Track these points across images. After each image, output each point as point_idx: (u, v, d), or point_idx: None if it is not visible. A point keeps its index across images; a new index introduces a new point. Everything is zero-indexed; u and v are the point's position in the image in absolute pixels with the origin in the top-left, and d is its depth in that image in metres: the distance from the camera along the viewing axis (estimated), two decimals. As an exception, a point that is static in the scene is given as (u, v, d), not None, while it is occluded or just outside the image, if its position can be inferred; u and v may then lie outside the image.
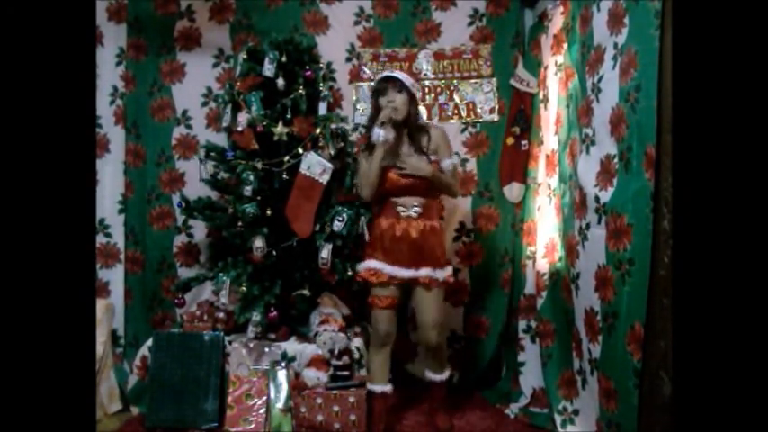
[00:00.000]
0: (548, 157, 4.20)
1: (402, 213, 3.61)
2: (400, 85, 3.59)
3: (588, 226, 3.32)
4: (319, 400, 3.75)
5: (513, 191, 4.55)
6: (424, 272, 3.57)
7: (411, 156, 3.61)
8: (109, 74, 4.67)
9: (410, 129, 3.66)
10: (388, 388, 3.69)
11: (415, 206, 3.61)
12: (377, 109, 3.63)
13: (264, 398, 3.80)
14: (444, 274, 3.64)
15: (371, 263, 3.65)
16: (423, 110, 4.63)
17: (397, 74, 3.68)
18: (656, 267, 2.74)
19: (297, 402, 3.77)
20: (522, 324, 4.38)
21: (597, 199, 3.18)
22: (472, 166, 4.70)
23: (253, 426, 3.75)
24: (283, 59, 4.17)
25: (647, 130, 2.77)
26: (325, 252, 3.99)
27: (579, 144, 3.51)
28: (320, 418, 3.74)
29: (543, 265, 4.14)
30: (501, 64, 4.69)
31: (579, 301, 3.46)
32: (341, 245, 4.04)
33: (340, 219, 3.98)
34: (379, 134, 3.49)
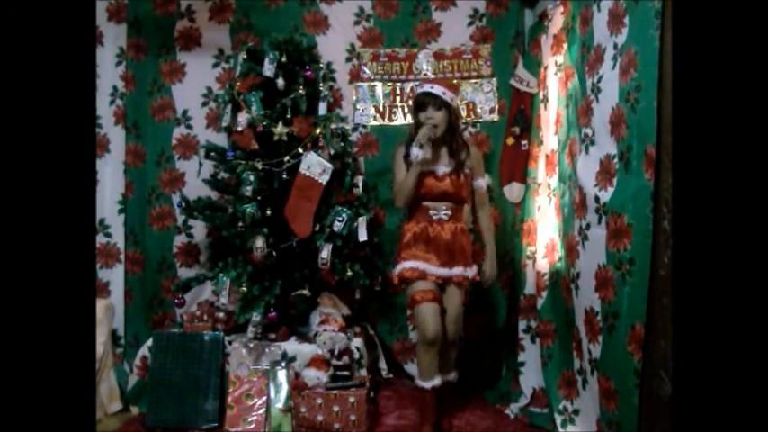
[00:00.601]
0: (547, 156, 4.20)
1: (434, 216, 3.69)
2: (440, 102, 3.62)
3: (588, 226, 3.32)
4: (319, 401, 3.74)
5: (513, 191, 4.55)
6: (457, 270, 3.68)
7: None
8: (109, 74, 4.67)
9: (450, 142, 3.71)
10: (437, 381, 3.66)
11: (446, 210, 3.70)
12: (417, 124, 3.68)
13: (264, 398, 3.80)
14: (473, 272, 3.77)
15: (408, 263, 3.68)
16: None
17: (437, 89, 3.66)
18: (657, 267, 2.74)
19: (297, 402, 3.76)
20: (522, 324, 4.37)
21: (597, 199, 3.18)
22: (473, 165, 4.68)
23: (253, 426, 3.75)
24: (283, 59, 4.17)
25: (647, 130, 2.77)
26: (325, 252, 3.99)
27: (579, 144, 3.51)
28: (320, 418, 3.73)
29: (543, 265, 4.14)
30: (501, 64, 4.69)
31: (579, 301, 3.46)
32: (341, 245, 4.05)
33: (340, 219, 3.99)
34: (418, 155, 3.52)
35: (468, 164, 3.75)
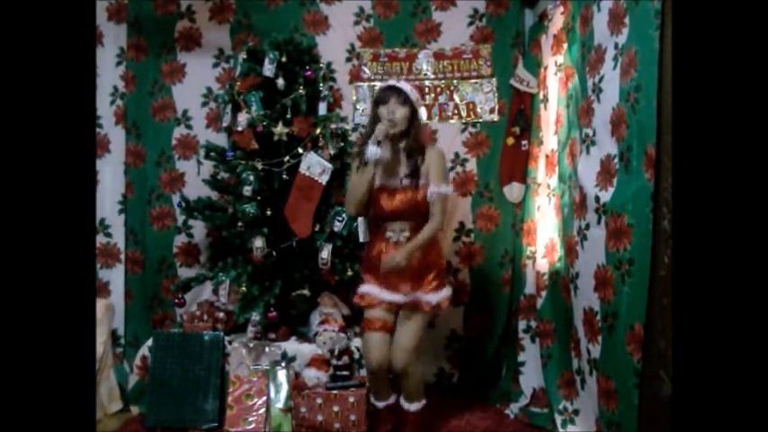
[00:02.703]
0: (547, 157, 4.20)
1: (391, 239, 3.41)
2: (404, 98, 3.37)
3: (588, 226, 3.32)
4: (319, 401, 3.74)
5: (513, 191, 4.55)
6: (411, 296, 3.36)
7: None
8: (109, 74, 4.67)
9: (408, 146, 3.39)
10: (390, 401, 3.56)
11: (405, 232, 3.39)
12: (375, 120, 3.39)
13: (264, 398, 3.80)
14: (436, 298, 3.40)
15: (363, 287, 3.50)
16: (423, 110, 4.64)
17: (402, 84, 3.45)
18: (656, 267, 2.74)
19: (297, 402, 3.76)
20: (522, 324, 4.38)
21: (597, 199, 3.19)
22: (472, 166, 4.69)
23: (253, 426, 3.75)
24: (283, 59, 4.17)
25: (648, 130, 2.78)
26: (325, 252, 3.99)
27: (579, 144, 3.51)
28: (320, 418, 3.73)
29: (543, 265, 4.15)
30: (501, 64, 4.68)
31: (578, 300, 3.46)
32: (341, 245, 4.05)
33: (340, 219, 3.99)
34: (374, 152, 3.23)
35: (423, 170, 3.37)
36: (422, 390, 3.53)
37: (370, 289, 3.46)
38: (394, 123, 3.32)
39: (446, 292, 3.49)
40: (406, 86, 3.44)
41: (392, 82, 3.53)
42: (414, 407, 3.48)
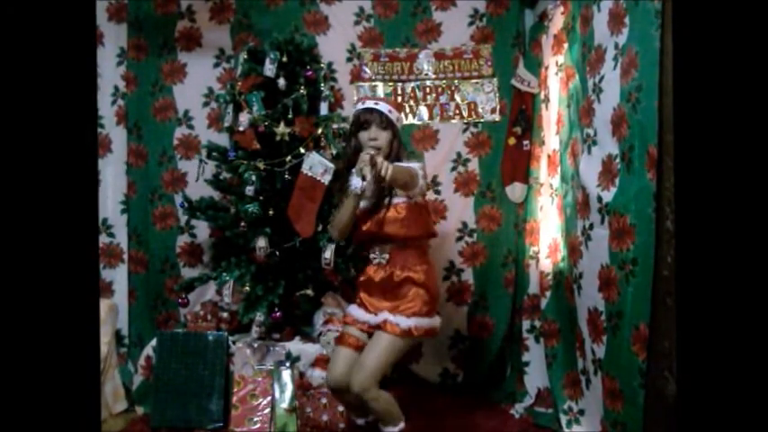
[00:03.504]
0: (549, 156, 4.20)
1: (373, 261, 3.26)
2: (386, 120, 3.19)
3: (591, 226, 3.32)
4: (324, 400, 3.76)
5: (515, 191, 4.54)
6: (381, 316, 3.13)
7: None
8: (110, 74, 4.67)
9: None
10: (370, 418, 3.27)
11: (382, 253, 3.23)
12: (356, 146, 3.24)
13: (269, 398, 3.81)
14: (409, 323, 3.10)
15: (349, 308, 3.39)
16: (424, 110, 4.65)
17: (382, 106, 3.24)
18: (660, 267, 2.74)
19: (302, 402, 3.77)
20: (526, 324, 4.38)
21: (600, 199, 3.18)
22: (474, 166, 4.69)
23: (258, 426, 3.76)
24: (284, 59, 4.17)
25: (649, 129, 2.77)
26: (329, 252, 3.99)
27: (581, 144, 3.51)
28: (325, 417, 3.74)
29: (547, 264, 4.15)
30: (502, 64, 4.68)
31: (582, 300, 3.46)
32: (344, 245, 4.05)
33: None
34: (358, 185, 2.97)
35: (411, 191, 3.15)
36: (395, 412, 3.14)
37: (351, 308, 3.34)
38: (377, 152, 3.07)
39: (427, 321, 3.18)
40: (385, 107, 3.24)
41: (370, 104, 3.28)
42: (389, 430, 3.14)
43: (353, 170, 3.02)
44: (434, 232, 3.45)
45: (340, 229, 3.27)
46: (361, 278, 3.33)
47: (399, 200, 3.18)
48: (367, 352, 3.09)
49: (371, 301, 3.23)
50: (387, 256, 3.21)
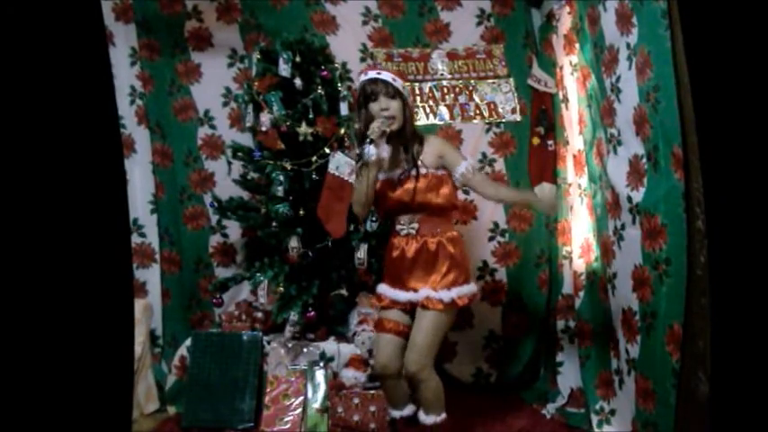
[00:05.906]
0: (575, 156, 4.18)
1: (401, 232, 3.25)
2: (392, 89, 3.17)
3: (624, 226, 3.29)
4: (356, 400, 3.76)
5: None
6: (423, 293, 3.14)
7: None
8: (125, 74, 4.63)
9: (405, 138, 3.21)
10: (405, 413, 3.35)
11: (413, 223, 3.22)
12: (367, 117, 3.18)
13: (301, 398, 3.83)
14: (451, 295, 3.13)
15: (380, 287, 3.37)
16: (444, 110, 4.63)
17: (385, 75, 3.21)
18: (693, 267, 2.71)
19: (334, 402, 3.78)
20: (560, 324, 4.37)
21: (630, 199, 3.16)
22: (501, 166, 4.67)
23: (288, 426, 3.78)
24: (297, 59, 4.15)
25: (671, 130, 2.75)
26: (361, 252, 3.99)
27: (606, 144, 3.48)
28: (356, 417, 3.75)
29: (580, 265, 4.12)
30: (515, 64, 4.66)
31: (616, 300, 3.44)
32: (376, 244, 4.05)
33: (374, 219, 3.99)
34: (371, 152, 3.03)
35: (430, 160, 3.20)
36: (441, 401, 3.19)
37: (383, 289, 3.33)
38: (391, 118, 3.14)
39: (467, 288, 3.22)
40: (388, 75, 3.21)
41: (372, 74, 3.23)
42: (430, 420, 3.17)
43: (365, 140, 3.07)
44: (457, 204, 3.53)
45: (361, 202, 3.23)
46: (394, 254, 3.28)
47: (427, 170, 3.20)
48: (416, 332, 3.12)
49: (409, 279, 3.23)
50: (416, 225, 3.21)
